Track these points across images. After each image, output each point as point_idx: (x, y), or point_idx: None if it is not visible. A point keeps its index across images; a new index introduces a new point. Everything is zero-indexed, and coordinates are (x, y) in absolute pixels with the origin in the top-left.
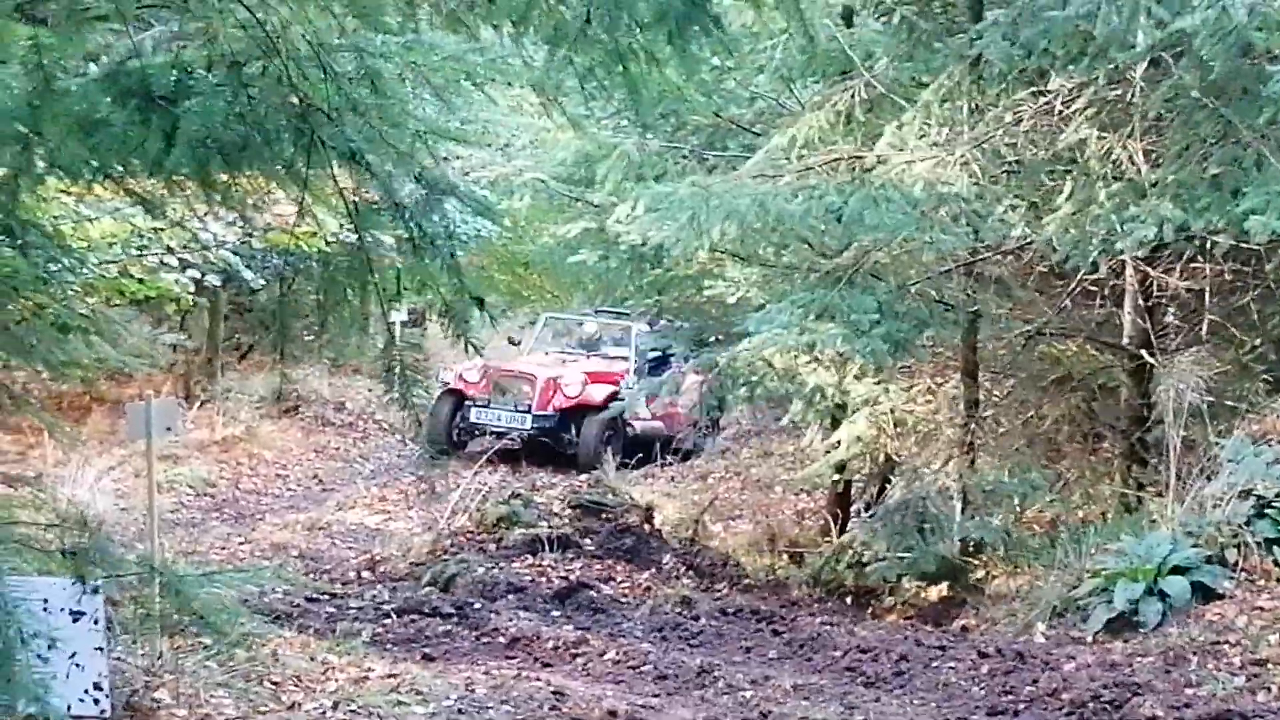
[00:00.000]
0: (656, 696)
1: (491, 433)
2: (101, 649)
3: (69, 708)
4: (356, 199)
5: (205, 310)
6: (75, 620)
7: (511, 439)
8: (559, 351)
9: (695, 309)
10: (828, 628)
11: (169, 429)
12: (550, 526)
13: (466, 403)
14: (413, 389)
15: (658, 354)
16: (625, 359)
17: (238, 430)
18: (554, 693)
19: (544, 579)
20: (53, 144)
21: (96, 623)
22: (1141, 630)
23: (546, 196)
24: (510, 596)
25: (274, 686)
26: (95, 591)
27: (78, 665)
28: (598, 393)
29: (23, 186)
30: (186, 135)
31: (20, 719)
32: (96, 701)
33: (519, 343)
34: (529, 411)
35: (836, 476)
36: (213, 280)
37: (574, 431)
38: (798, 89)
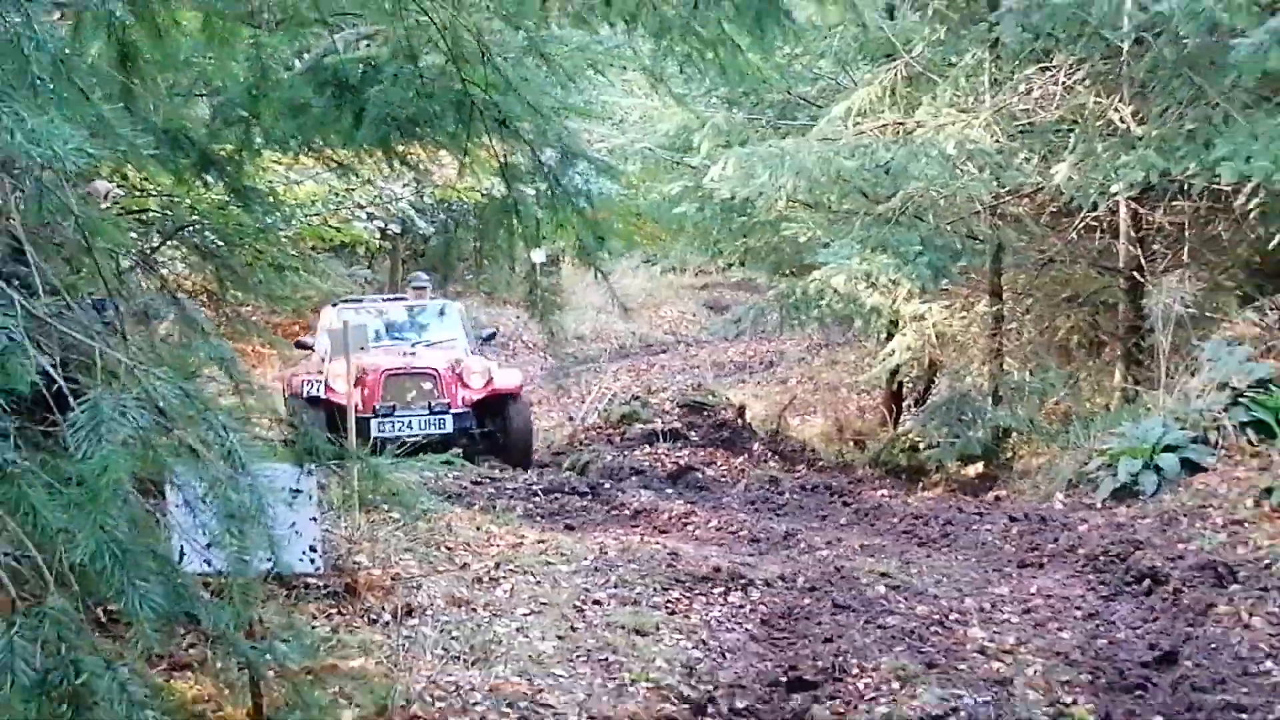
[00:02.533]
0: (751, 555)
1: (402, 442)
2: (315, 519)
3: (291, 566)
4: (506, 160)
5: (387, 254)
6: (295, 497)
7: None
8: (378, 344)
9: (774, 249)
10: (887, 500)
11: (361, 348)
12: (663, 422)
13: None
14: (549, 314)
15: (490, 331)
16: (453, 342)
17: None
18: (670, 553)
19: (659, 464)
20: (268, 124)
21: (311, 498)
22: (1141, 497)
23: (653, 161)
24: (633, 478)
25: (448, 551)
26: (310, 474)
27: (297, 533)
28: (509, 378)
29: (245, 158)
30: (371, 115)
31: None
32: (312, 561)
33: (310, 345)
34: (446, 411)
35: (891, 379)
36: (393, 229)
37: (485, 426)
38: (852, 70)
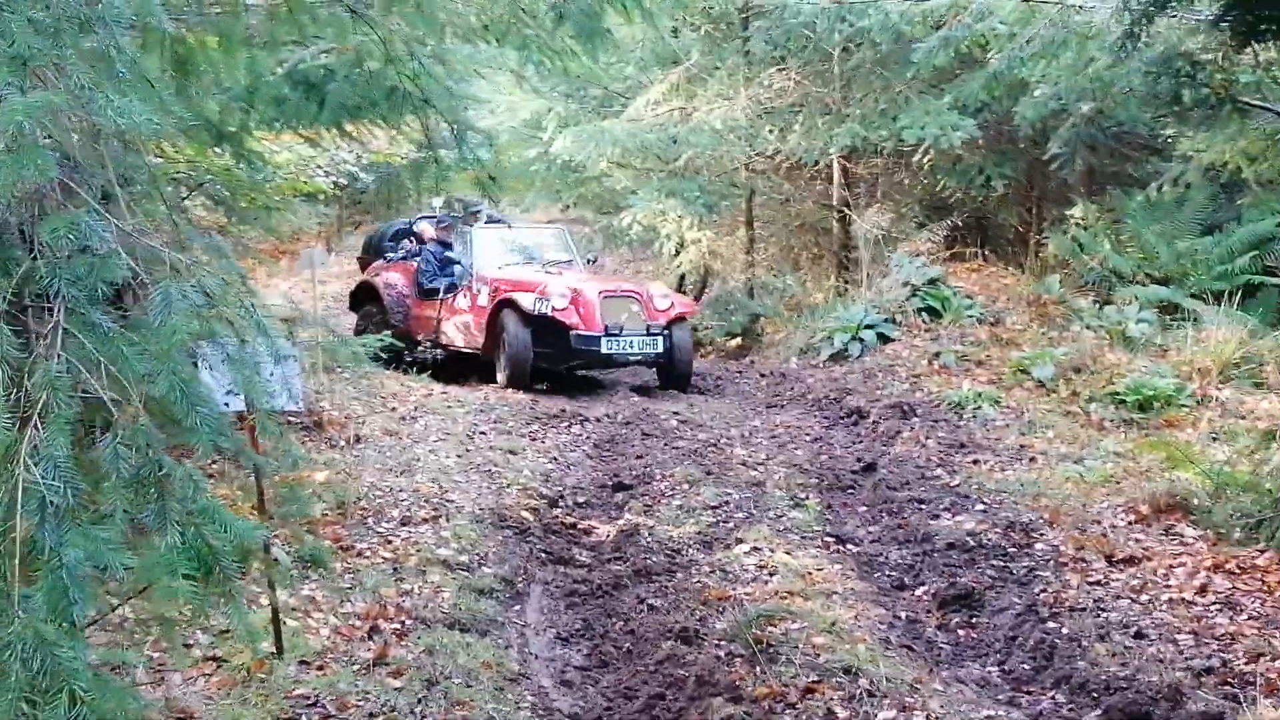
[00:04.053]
0: (586, 401)
1: (618, 362)
2: (298, 376)
3: (281, 406)
4: (428, 128)
5: (338, 199)
6: (283, 360)
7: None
8: (524, 261)
9: (598, 195)
10: None
11: (321, 264)
12: None
13: (575, 334)
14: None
15: (595, 255)
16: (570, 262)
17: (353, 266)
18: (531, 400)
19: None
20: (260, 111)
21: (296, 361)
22: (850, 360)
23: (517, 136)
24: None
25: (383, 400)
26: (295, 344)
27: (285, 385)
28: (685, 302)
29: (245, 134)
30: (329, 104)
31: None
32: (295, 404)
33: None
34: (660, 333)
35: (680, 282)
36: (342, 182)
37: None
38: (649, 72)
